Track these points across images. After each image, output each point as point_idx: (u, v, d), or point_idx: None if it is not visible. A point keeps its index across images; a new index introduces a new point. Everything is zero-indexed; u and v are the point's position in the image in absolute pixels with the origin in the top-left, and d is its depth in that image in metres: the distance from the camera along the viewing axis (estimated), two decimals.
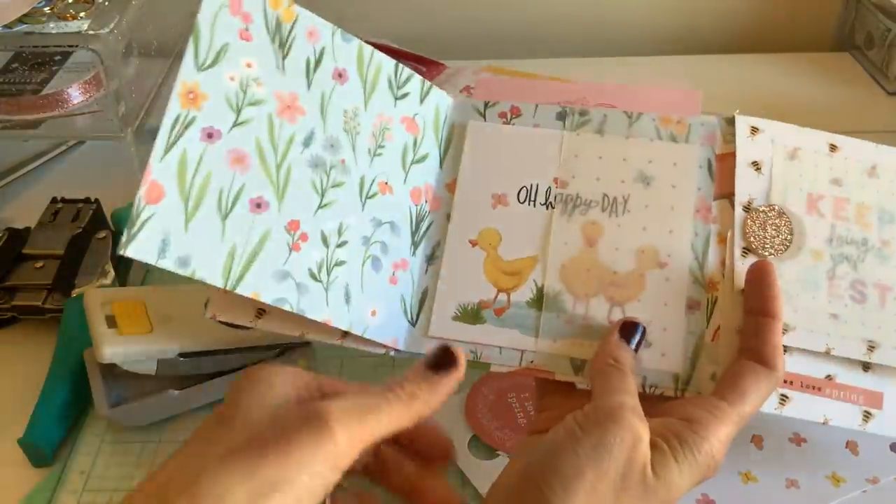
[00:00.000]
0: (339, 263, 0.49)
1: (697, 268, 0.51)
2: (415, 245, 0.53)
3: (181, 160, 0.43)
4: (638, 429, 0.41)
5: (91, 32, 0.72)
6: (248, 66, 0.47)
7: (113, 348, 0.57)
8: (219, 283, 0.44)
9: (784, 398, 0.48)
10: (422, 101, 0.55)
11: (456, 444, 0.52)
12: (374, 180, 0.51)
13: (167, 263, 0.42)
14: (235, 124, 0.46)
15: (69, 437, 0.59)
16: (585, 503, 0.39)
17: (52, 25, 0.73)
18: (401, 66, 0.54)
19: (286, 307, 0.46)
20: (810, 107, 0.92)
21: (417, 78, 0.55)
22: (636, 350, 0.48)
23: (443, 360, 0.43)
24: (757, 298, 0.47)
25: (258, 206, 0.46)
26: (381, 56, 0.53)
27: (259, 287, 0.45)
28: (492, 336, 0.51)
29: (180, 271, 0.43)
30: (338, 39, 0.51)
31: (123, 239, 0.41)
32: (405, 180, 0.53)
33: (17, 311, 0.67)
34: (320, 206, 0.48)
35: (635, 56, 1.05)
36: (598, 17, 1.07)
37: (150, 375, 0.58)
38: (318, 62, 0.50)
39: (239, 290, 0.44)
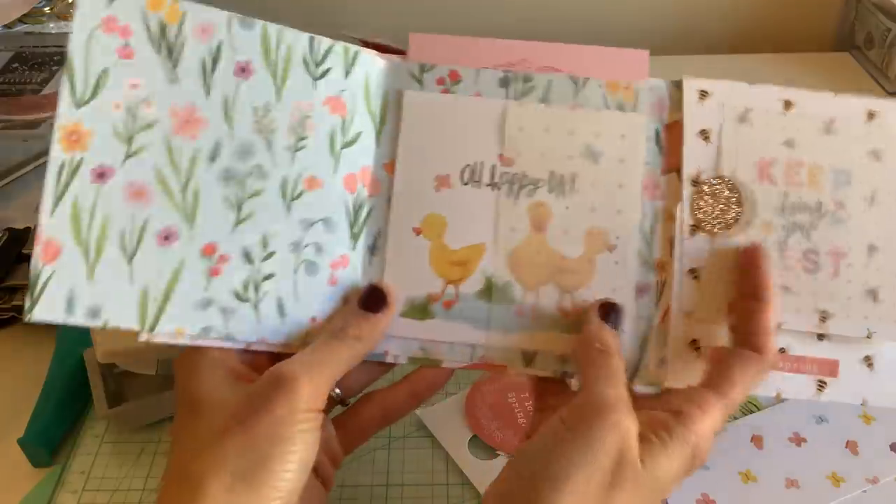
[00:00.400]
0: (268, 277, 0.47)
1: (646, 249, 0.48)
2: (354, 237, 0.50)
3: (74, 211, 0.41)
4: (626, 423, 0.40)
5: None
6: (134, 86, 0.43)
7: (113, 348, 0.58)
8: (135, 328, 0.43)
9: None
10: (347, 73, 0.50)
11: (456, 444, 0.56)
12: (298, 179, 0.48)
13: (77, 319, 0.41)
14: (128, 156, 0.43)
15: (69, 437, 0.61)
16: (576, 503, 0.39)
17: (52, 25, 0.73)
18: (317, 38, 0.49)
19: (213, 335, 0.45)
20: None
21: (339, 46, 0.50)
22: (616, 330, 0.46)
23: (374, 297, 0.47)
24: (749, 283, 0.46)
25: (166, 238, 0.44)
26: (291, 34, 0.48)
27: (181, 321, 0.44)
28: (442, 332, 0.48)
29: (92, 324, 0.41)
30: (236, 29, 0.46)
31: (26, 305, 0.40)
32: (336, 169, 0.49)
33: (17, 311, 0.69)
34: (238, 222, 0.46)
35: None
36: (597, 17, 1.06)
37: (150, 375, 0.59)
38: (215, 61, 0.45)
39: (158, 330, 0.43)
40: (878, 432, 0.56)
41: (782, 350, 0.47)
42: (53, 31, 0.71)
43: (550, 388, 0.48)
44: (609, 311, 0.46)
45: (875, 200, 0.47)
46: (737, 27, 1.07)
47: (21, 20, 0.72)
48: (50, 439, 0.59)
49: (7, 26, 0.71)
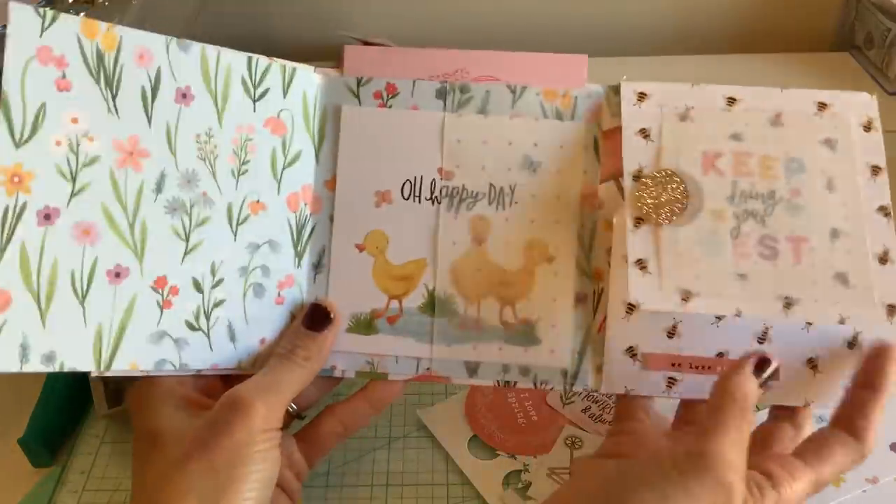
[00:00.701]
0: (218, 304, 0.47)
1: (584, 259, 0.50)
2: (298, 256, 0.51)
3: (22, 255, 0.40)
4: (734, 493, 0.40)
5: None
6: (75, 121, 0.42)
7: None
8: (91, 369, 0.43)
9: (672, 381, 0.49)
10: (286, 92, 0.50)
11: (456, 444, 0.56)
12: (243, 202, 0.48)
13: (32, 367, 0.40)
14: (73, 195, 0.42)
15: (69, 437, 0.60)
16: None
17: None
18: (255, 58, 0.49)
19: (167, 367, 0.45)
20: None
21: (277, 65, 0.50)
22: (762, 387, 0.45)
23: (318, 316, 0.49)
24: (871, 373, 0.45)
25: (117, 275, 0.43)
26: (229, 55, 0.48)
27: (135, 356, 0.44)
28: (387, 346, 0.50)
29: (47, 369, 0.41)
30: (175, 52, 0.45)
31: None
32: (279, 190, 0.50)
33: None
34: (187, 252, 0.46)
35: (635, 56, 1.02)
36: (597, 17, 1.05)
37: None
38: (155, 89, 0.45)
39: (115, 367, 0.43)
40: (878, 432, 0.54)
41: (721, 355, 0.48)
42: None
43: (632, 415, 0.48)
44: (765, 367, 0.45)
45: (833, 186, 0.47)
46: (737, 27, 1.07)
47: None
48: (50, 439, 0.59)
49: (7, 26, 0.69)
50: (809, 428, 0.47)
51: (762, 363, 0.45)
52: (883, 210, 0.47)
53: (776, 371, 0.45)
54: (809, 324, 0.47)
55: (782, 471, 0.43)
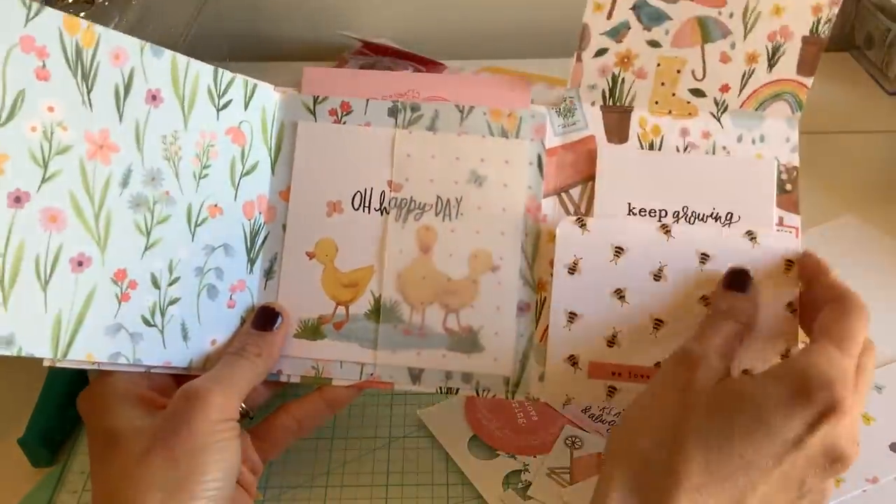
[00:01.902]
0: (174, 301, 0.48)
1: (527, 269, 0.52)
2: (251, 262, 0.52)
3: None
4: (701, 362, 0.43)
5: None
6: (51, 110, 0.43)
7: None
8: (48, 356, 0.43)
9: (612, 390, 0.51)
10: (247, 105, 0.52)
11: (456, 444, 0.56)
12: (202, 205, 0.50)
13: None
14: (44, 180, 0.42)
15: (69, 437, 0.59)
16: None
17: None
18: (220, 70, 0.51)
19: (121, 361, 0.46)
20: (810, 107, 0.92)
21: (240, 80, 0.52)
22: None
23: (266, 317, 0.50)
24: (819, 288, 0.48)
25: (80, 263, 0.44)
26: (198, 65, 0.50)
27: (91, 347, 0.44)
28: (332, 351, 0.52)
29: (5, 352, 0.41)
30: (148, 56, 0.47)
31: None
32: (235, 197, 0.52)
33: None
34: (147, 248, 0.47)
35: None
36: None
37: None
38: (127, 88, 0.46)
39: (71, 357, 0.43)
40: (878, 432, 0.55)
41: (658, 364, 0.50)
42: None
43: None
44: (734, 279, 0.49)
45: None
46: None
47: None
48: (50, 439, 0.58)
49: None
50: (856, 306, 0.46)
51: (734, 276, 0.49)
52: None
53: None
54: None
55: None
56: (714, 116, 0.54)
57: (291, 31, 0.96)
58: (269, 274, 0.53)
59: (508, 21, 1.07)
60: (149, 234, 0.47)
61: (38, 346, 0.42)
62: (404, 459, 0.57)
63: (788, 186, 0.53)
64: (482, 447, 0.57)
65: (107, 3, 0.72)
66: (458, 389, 0.52)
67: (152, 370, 0.48)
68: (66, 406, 0.60)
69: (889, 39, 0.93)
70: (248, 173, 0.52)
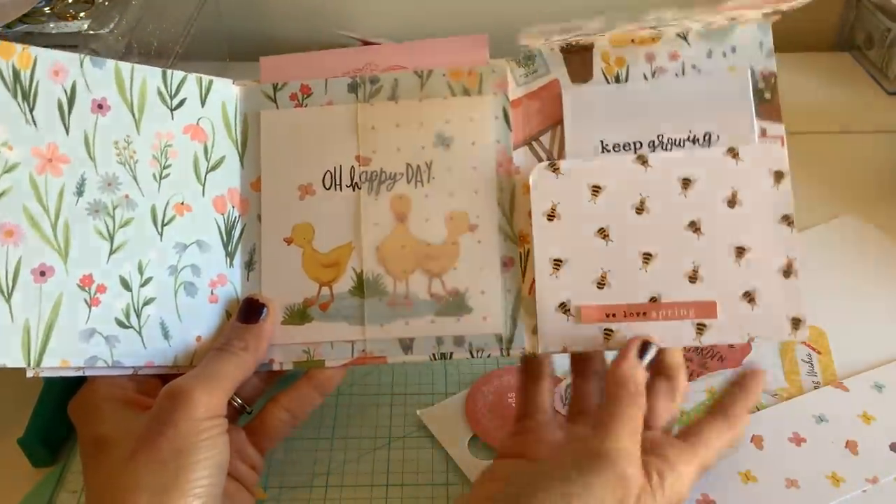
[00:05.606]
0: (149, 302, 0.48)
1: (507, 224, 0.51)
2: (230, 256, 0.52)
3: None
4: (635, 478, 0.42)
5: (91, 32, 0.69)
6: None
7: None
8: (22, 365, 0.43)
9: (609, 332, 0.49)
10: (203, 102, 0.52)
11: (456, 444, 0.56)
12: (167, 204, 0.50)
13: None
14: None
15: (69, 437, 0.60)
16: None
17: (52, 25, 0.70)
18: (170, 72, 0.51)
19: (100, 364, 0.46)
20: (810, 107, 0.91)
21: (193, 78, 0.52)
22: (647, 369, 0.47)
23: (251, 309, 0.50)
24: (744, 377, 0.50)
25: (42, 273, 0.45)
26: (144, 70, 0.50)
27: (65, 353, 0.45)
28: (321, 333, 0.51)
29: None
30: (89, 68, 0.48)
31: None
32: (203, 193, 0.51)
33: None
34: (112, 252, 0.47)
35: None
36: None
37: None
38: (71, 101, 0.47)
39: (45, 364, 0.44)
40: (878, 432, 0.55)
41: (653, 299, 0.48)
42: (53, 31, 0.69)
43: (533, 413, 0.50)
44: (645, 350, 0.47)
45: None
46: None
47: (21, 20, 0.70)
48: (50, 439, 0.58)
49: (7, 26, 0.69)
50: (683, 379, 0.49)
51: (645, 347, 0.47)
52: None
53: (659, 351, 0.48)
54: (740, 256, 0.48)
55: (677, 454, 0.45)
56: (680, 36, 0.51)
57: (291, 31, 0.96)
58: (249, 265, 0.52)
59: (508, 21, 1.07)
60: (112, 238, 0.47)
61: (10, 357, 0.43)
62: (404, 459, 0.56)
63: (767, 94, 0.50)
64: (482, 447, 0.56)
65: (107, 3, 0.72)
66: (451, 354, 0.50)
67: (138, 371, 0.48)
68: (66, 406, 0.60)
69: (889, 39, 0.92)
70: (214, 168, 0.52)
